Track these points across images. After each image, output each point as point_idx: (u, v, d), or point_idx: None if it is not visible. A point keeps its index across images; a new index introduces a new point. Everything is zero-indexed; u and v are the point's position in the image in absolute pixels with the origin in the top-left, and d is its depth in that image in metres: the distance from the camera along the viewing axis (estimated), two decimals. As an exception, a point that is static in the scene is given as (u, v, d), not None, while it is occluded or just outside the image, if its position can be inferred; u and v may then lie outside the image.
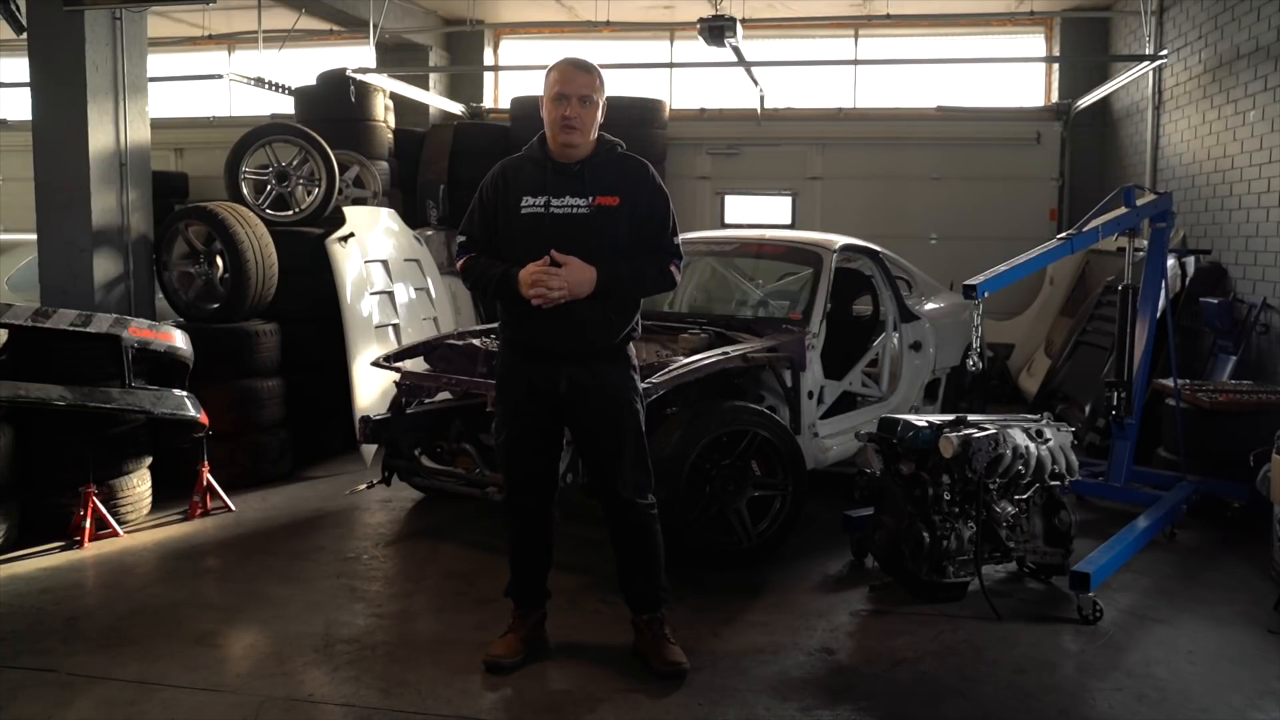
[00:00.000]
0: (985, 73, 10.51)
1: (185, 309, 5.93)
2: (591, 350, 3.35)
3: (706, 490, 4.35)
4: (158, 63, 7.60)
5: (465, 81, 11.24)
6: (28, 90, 5.47)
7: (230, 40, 11.58)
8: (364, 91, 8.61)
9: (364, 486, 5.44)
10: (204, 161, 10.32)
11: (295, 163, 6.86)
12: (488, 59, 11.43)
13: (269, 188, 6.85)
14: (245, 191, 6.59)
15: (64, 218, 5.42)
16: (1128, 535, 4.45)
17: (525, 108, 9.56)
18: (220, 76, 9.95)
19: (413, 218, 8.35)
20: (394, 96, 9.23)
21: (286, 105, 9.55)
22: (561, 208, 3.28)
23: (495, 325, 5.60)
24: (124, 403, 4.85)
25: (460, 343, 5.13)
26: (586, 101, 3.28)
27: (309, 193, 6.85)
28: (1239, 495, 5.03)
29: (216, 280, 5.86)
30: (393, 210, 7.54)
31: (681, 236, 3.50)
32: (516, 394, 3.43)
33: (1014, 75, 10.67)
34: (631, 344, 3.49)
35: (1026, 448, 4.03)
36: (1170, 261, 5.96)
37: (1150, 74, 8.15)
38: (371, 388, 5.92)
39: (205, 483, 5.23)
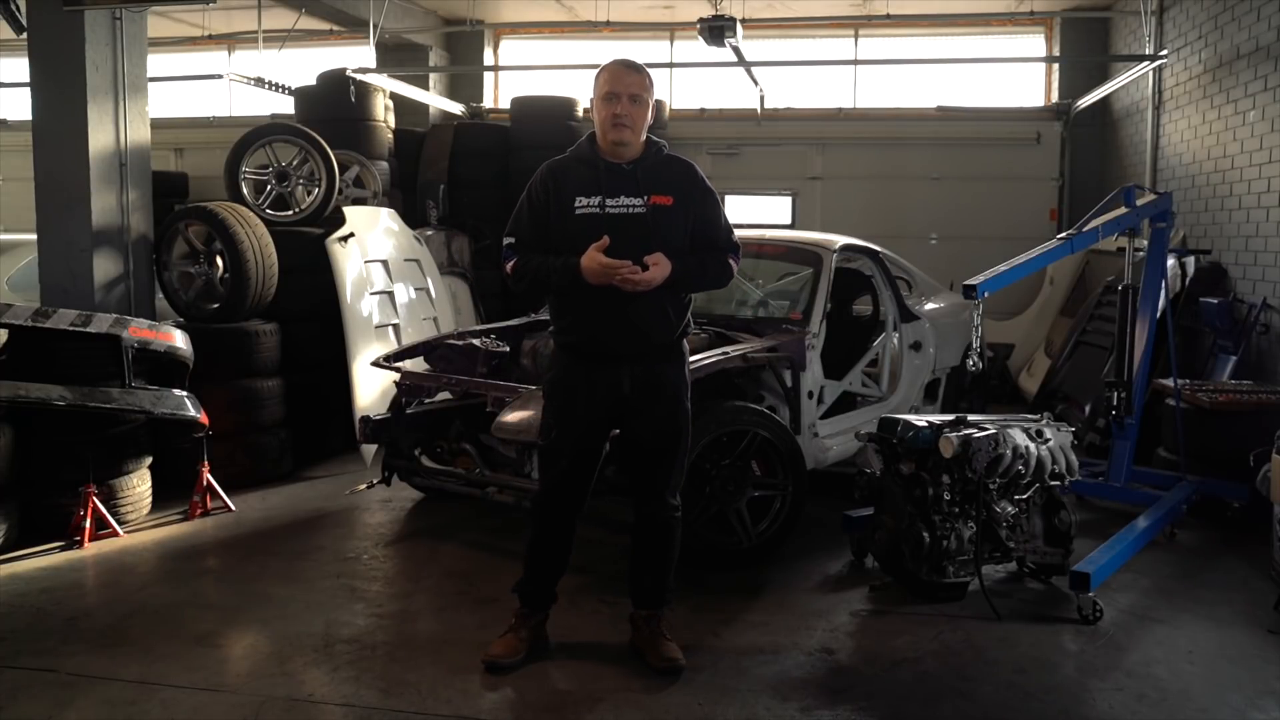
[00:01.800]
0: (985, 73, 10.51)
1: (185, 309, 5.92)
2: (653, 347, 3.36)
3: (706, 490, 4.35)
4: (158, 63, 7.60)
5: (465, 81, 11.24)
6: (28, 90, 5.47)
7: (230, 40, 11.58)
8: (364, 91, 8.61)
9: (364, 486, 5.44)
10: (204, 161, 10.32)
11: (295, 163, 6.86)
12: (488, 59, 11.43)
13: (269, 188, 6.85)
14: (245, 191, 6.59)
15: (64, 217, 5.42)
16: (1128, 535, 4.45)
17: (525, 108, 9.55)
18: (220, 76, 9.95)
19: (413, 218, 8.35)
20: (394, 96, 9.23)
21: (286, 105, 9.54)
22: (617, 207, 3.30)
23: (497, 325, 5.65)
24: (124, 403, 4.85)
25: (460, 343, 5.14)
26: (637, 100, 3.31)
27: (309, 193, 6.85)
28: (1239, 495, 5.03)
29: (216, 280, 5.86)
30: (393, 210, 7.54)
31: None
32: (575, 398, 3.41)
33: (1014, 75, 10.68)
34: (686, 340, 3.50)
35: (1026, 448, 4.03)
36: (1170, 261, 5.95)
37: (1150, 74, 8.15)
38: (371, 388, 5.92)
39: (205, 483, 5.23)
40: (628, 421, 3.44)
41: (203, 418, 5.12)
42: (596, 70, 3.39)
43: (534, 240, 3.38)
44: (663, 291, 3.29)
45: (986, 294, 4.25)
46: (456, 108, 10.54)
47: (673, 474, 3.45)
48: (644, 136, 3.39)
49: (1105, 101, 9.54)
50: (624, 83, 3.31)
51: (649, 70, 3.39)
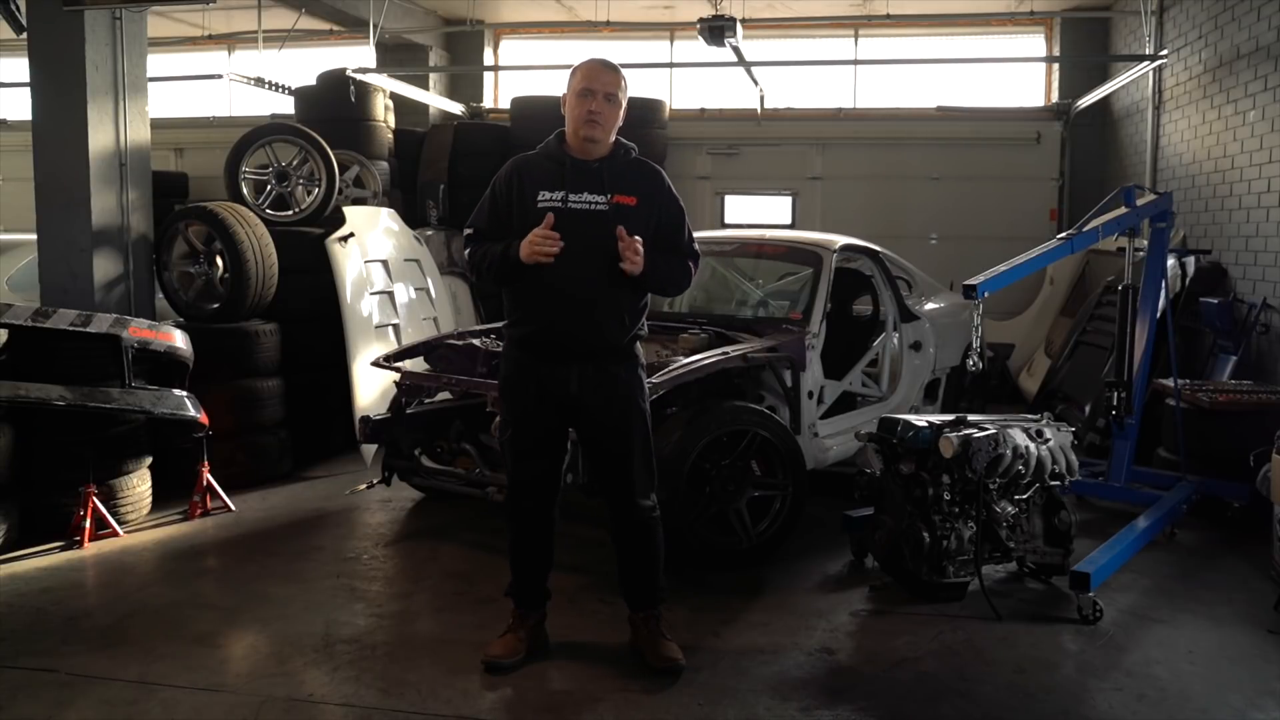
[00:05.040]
0: (985, 73, 10.51)
1: (185, 309, 5.92)
2: (603, 346, 3.36)
3: (706, 490, 4.35)
4: (158, 63, 7.60)
5: (465, 81, 11.24)
6: (28, 90, 5.47)
7: (230, 40, 11.58)
8: (364, 91, 8.61)
9: (364, 486, 5.45)
10: (204, 161, 10.32)
11: (295, 163, 6.86)
12: (488, 59, 11.43)
13: (269, 188, 6.85)
14: (245, 191, 6.59)
15: (64, 218, 5.42)
16: (1128, 535, 4.45)
17: (525, 108, 9.56)
18: (220, 76, 9.95)
19: (413, 218, 8.35)
20: (394, 96, 9.23)
21: (286, 105, 9.55)
22: (579, 203, 3.30)
23: (497, 325, 5.64)
24: (124, 403, 4.85)
25: (460, 343, 5.13)
26: (611, 99, 3.32)
27: (309, 193, 6.85)
28: (1239, 495, 5.03)
29: (216, 280, 5.86)
30: (393, 210, 7.54)
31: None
32: (525, 395, 3.41)
33: (1014, 75, 10.68)
34: (639, 344, 3.50)
35: (1026, 448, 4.03)
36: (1170, 261, 5.95)
37: (1150, 74, 8.15)
38: (371, 388, 5.92)
39: (205, 483, 5.23)
40: (580, 421, 3.45)
41: (203, 418, 5.12)
42: (571, 68, 3.39)
43: (491, 231, 3.40)
44: (620, 287, 3.30)
45: (986, 294, 4.25)
46: (456, 108, 10.54)
47: (636, 475, 3.42)
48: (614, 137, 3.39)
49: (1105, 101, 9.53)
50: (600, 80, 3.32)
51: (624, 71, 3.39)
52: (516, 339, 3.46)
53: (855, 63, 10.37)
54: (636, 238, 3.24)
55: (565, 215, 3.27)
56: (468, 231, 3.47)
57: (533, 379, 3.39)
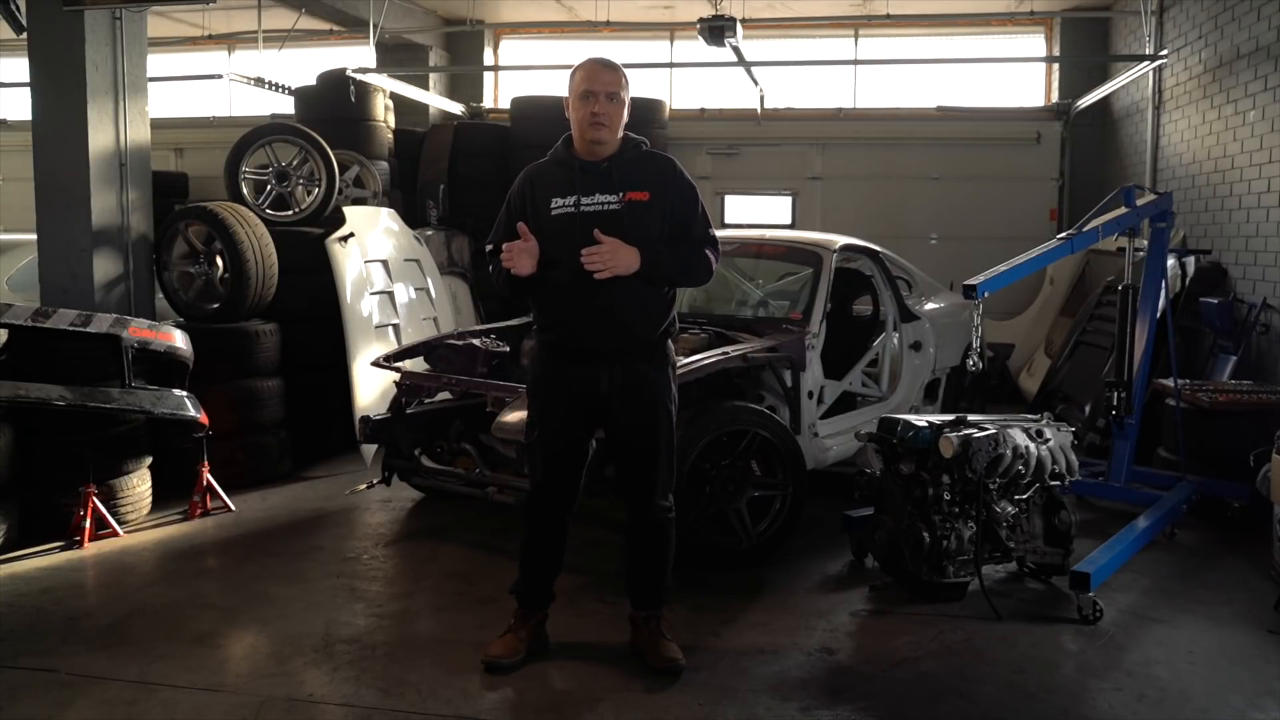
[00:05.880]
0: (985, 73, 10.52)
1: (185, 309, 5.92)
2: (633, 345, 3.35)
3: (706, 490, 4.35)
4: (158, 63, 7.60)
5: (465, 81, 11.24)
6: (28, 90, 5.47)
7: (230, 40, 11.58)
8: (364, 91, 8.61)
9: (364, 486, 5.45)
10: (204, 161, 10.31)
11: (295, 163, 6.86)
12: (488, 59, 11.43)
13: (269, 188, 6.85)
14: (245, 191, 6.59)
15: (64, 218, 5.42)
16: (1128, 535, 4.45)
17: (525, 108, 9.55)
18: (220, 76, 9.95)
19: (413, 218, 8.35)
20: (394, 96, 9.23)
21: (286, 105, 9.54)
22: (592, 205, 3.29)
23: (497, 325, 5.65)
24: (124, 403, 4.85)
25: (460, 343, 5.14)
26: (614, 99, 3.29)
27: (309, 193, 6.86)
28: (1239, 495, 5.03)
29: (216, 280, 5.86)
30: (393, 210, 7.54)
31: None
32: (556, 397, 3.41)
33: (1014, 75, 10.68)
34: (670, 341, 3.48)
35: (1026, 448, 4.03)
36: (1170, 261, 5.95)
37: (1150, 74, 8.16)
38: (371, 388, 5.92)
39: (205, 483, 5.23)
40: (608, 421, 3.44)
41: (203, 418, 5.12)
42: (571, 69, 3.37)
43: None
44: (638, 284, 3.27)
45: (986, 294, 4.25)
46: (456, 108, 10.54)
47: (659, 475, 3.43)
48: (620, 134, 3.37)
49: (1105, 101, 9.53)
50: (601, 81, 3.29)
51: (623, 68, 3.37)
52: (545, 344, 3.46)
53: (855, 63, 10.37)
54: (611, 242, 3.20)
55: (580, 219, 3.26)
56: (487, 248, 3.46)
57: (564, 381, 3.39)
